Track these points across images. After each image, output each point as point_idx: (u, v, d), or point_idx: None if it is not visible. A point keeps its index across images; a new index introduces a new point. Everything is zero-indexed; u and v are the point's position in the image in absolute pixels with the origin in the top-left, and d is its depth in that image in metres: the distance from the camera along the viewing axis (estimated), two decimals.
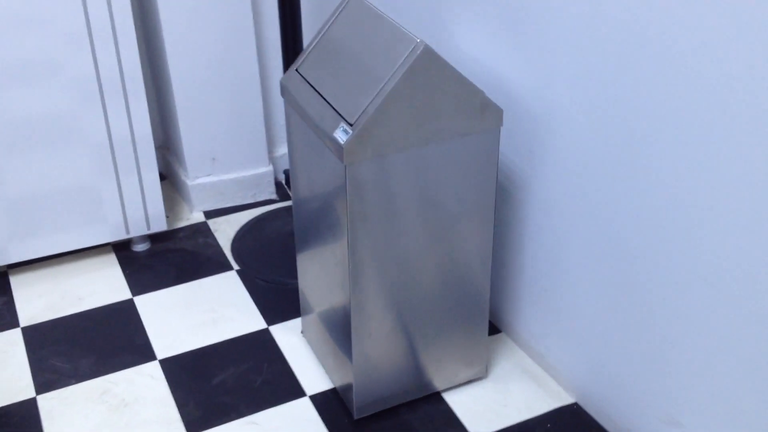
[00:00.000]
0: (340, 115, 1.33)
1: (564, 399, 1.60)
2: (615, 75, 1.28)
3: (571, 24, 1.33)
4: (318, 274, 1.58)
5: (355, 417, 1.55)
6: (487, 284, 1.55)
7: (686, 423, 1.34)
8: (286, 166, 2.27)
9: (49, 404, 1.60)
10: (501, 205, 1.64)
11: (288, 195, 2.25)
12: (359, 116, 1.29)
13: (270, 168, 2.20)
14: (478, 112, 1.35)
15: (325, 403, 1.61)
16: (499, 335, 1.76)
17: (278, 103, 2.20)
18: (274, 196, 2.23)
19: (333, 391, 1.63)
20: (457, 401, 1.60)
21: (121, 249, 2.04)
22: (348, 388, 1.56)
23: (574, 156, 1.42)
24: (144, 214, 1.98)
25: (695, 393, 1.31)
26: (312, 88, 1.41)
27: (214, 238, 2.09)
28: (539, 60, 1.43)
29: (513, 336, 1.74)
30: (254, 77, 2.07)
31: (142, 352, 1.73)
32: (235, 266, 1.99)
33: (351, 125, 1.29)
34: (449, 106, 1.32)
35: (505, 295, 1.73)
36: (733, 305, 1.19)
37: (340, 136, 1.30)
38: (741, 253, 1.16)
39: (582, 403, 1.58)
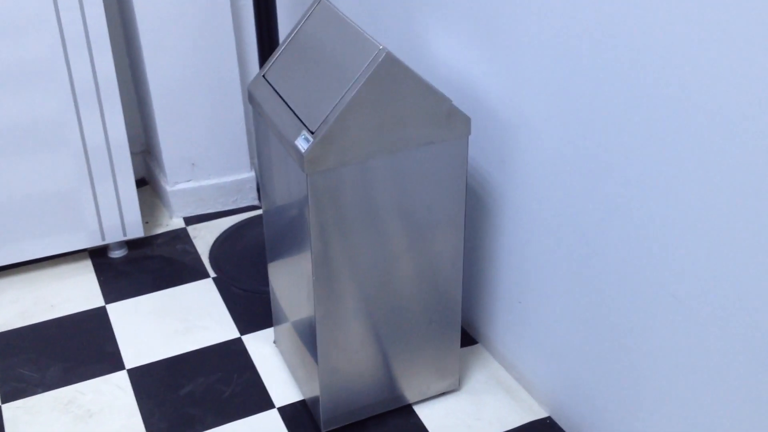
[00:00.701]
0: (302, 122, 1.30)
1: (537, 412, 1.57)
2: (586, 83, 1.25)
3: (543, 32, 1.30)
4: (287, 283, 1.55)
5: (323, 430, 1.52)
6: (459, 295, 1.51)
7: None
8: None
9: (14, 413, 1.58)
10: (475, 213, 1.61)
11: None
12: (321, 124, 1.26)
13: (252, 174, 2.18)
14: (444, 120, 1.32)
15: (293, 415, 1.58)
16: (475, 346, 1.73)
17: None
18: (256, 202, 2.21)
19: (302, 403, 1.60)
20: (429, 414, 1.57)
21: (98, 255, 2.02)
22: (316, 400, 1.53)
23: (546, 164, 1.39)
24: (120, 221, 1.96)
25: (667, 408, 1.27)
26: (278, 95, 1.39)
27: (193, 245, 2.06)
28: (511, 68, 1.40)
29: (488, 347, 1.71)
30: (234, 81, 2.04)
31: (111, 362, 1.70)
32: (212, 274, 1.96)
33: (312, 133, 1.27)
34: (414, 114, 1.29)
35: (481, 305, 1.69)
36: (702, 321, 1.16)
37: (302, 144, 1.27)
38: (710, 270, 1.12)
39: (555, 417, 1.55)
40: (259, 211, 2.18)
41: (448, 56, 1.54)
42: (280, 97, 1.38)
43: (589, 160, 1.29)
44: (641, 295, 1.26)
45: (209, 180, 2.14)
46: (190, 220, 2.15)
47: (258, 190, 2.22)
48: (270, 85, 1.42)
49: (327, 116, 1.26)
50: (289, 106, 1.35)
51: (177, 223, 2.15)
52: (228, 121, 2.08)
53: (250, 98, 1.46)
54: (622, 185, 1.24)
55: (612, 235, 1.29)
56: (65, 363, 1.70)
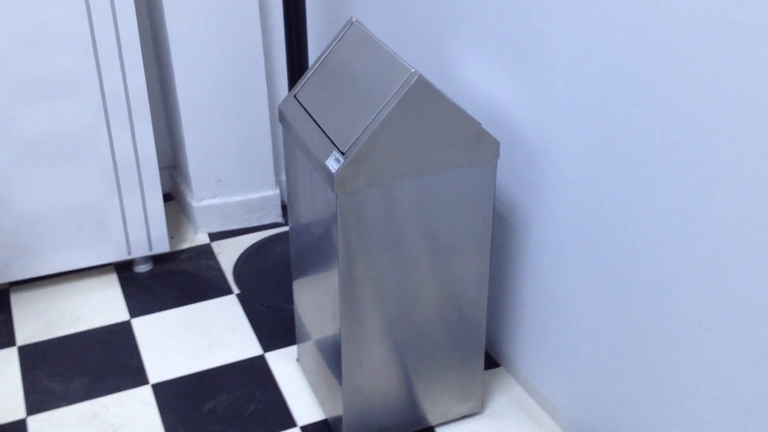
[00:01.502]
0: (333, 143, 1.31)
1: None
2: (615, 107, 1.25)
3: (572, 56, 1.31)
4: (312, 301, 1.56)
5: None
6: (484, 318, 1.51)
7: None
8: None
9: (39, 426, 1.59)
10: (501, 236, 1.61)
11: None
12: (351, 145, 1.27)
13: (276, 191, 2.19)
14: (473, 144, 1.32)
15: None
16: (497, 369, 1.72)
17: None
18: (280, 219, 2.22)
19: (324, 423, 1.60)
20: None
21: (123, 269, 2.04)
22: (338, 420, 1.53)
23: (574, 188, 1.39)
24: (146, 235, 1.97)
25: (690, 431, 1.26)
26: (308, 115, 1.40)
27: (217, 261, 2.07)
28: (540, 92, 1.40)
29: (511, 370, 1.71)
30: (262, 100, 2.06)
31: (135, 376, 1.71)
32: (236, 290, 1.97)
33: (343, 154, 1.27)
34: (444, 137, 1.30)
35: (504, 328, 1.69)
36: (729, 351, 1.15)
37: (332, 164, 1.28)
38: (738, 299, 1.11)
39: None
40: (282, 229, 2.20)
41: (477, 80, 1.55)
42: (311, 117, 1.39)
43: (617, 186, 1.29)
44: (667, 322, 1.26)
45: (235, 197, 2.16)
46: (214, 236, 2.17)
47: (283, 207, 2.24)
48: (301, 105, 1.43)
49: (358, 137, 1.27)
50: (319, 127, 1.36)
51: (201, 238, 2.16)
52: (255, 138, 2.10)
53: (281, 117, 1.48)
54: (650, 211, 1.23)
55: (639, 261, 1.29)
56: (90, 376, 1.71)
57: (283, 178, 2.26)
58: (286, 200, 2.27)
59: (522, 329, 1.63)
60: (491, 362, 1.74)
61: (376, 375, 1.48)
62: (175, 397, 1.66)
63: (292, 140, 1.44)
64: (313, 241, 1.47)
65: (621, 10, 1.19)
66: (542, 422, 1.59)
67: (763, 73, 0.99)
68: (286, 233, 2.17)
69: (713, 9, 1.04)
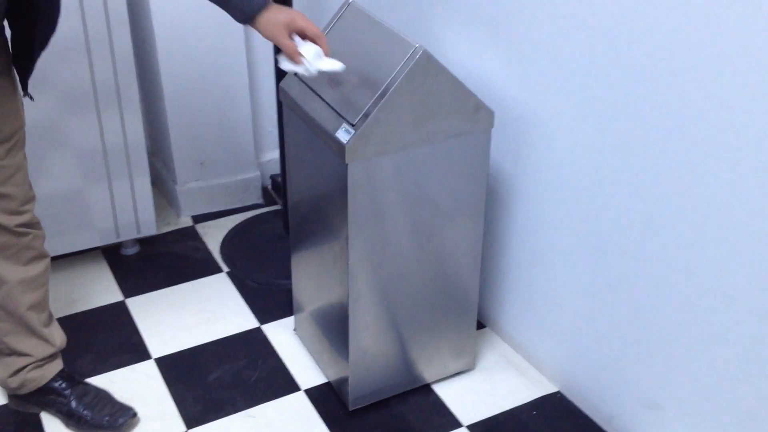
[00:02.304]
0: (341, 116, 1.39)
1: (547, 388, 1.68)
2: (599, 78, 1.37)
3: (556, 33, 1.42)
4: (314, 271, 1.64)
5: (350, 408, 1.61)
6: (477, 280, 1.62)
7: (667, 406, 1.43)
8: (273, 172, 2.32)
9: None
10: (488, 204, 1.72)
11: (274, 200, 2.31)
12: (361, 117, 1.36)
13: (257, 173, 2.26)
14: (471, 114, 1.43)
15: (319, 396, 1.66)
16: (483, 330, 1.84)
17: (266, 110, 2.25)
18: (260, 201, 2.29)
19: (327, 385, 1.69)
20: (447, 392, 1.67)
21: (111, 253, 2.07)
22: (343, 381, 1.61)
23: (559, 156, 1.51)
24: (135, 219, 2.02)
25: (675, 377, 1.40)
26: (312, 91, 1.48)
27: (203, 242, 2.13)
28: (524, 65, 1.51)
29: (497, 330, 1.82)
30: (243, 84, 2.13)
31: (138, 352, 1.77)
32: (225, 268, 2.03)
33: (353, 125, 1.36)
34: (445, 108, 1.40)
35: (490, 291, 1.80)
36: (711, 294, 1.28)
37: (343, 135, 1.37)
38: (719, 246, 1.25)
39: (565, 391, 1.66)
40: (264, 209, 2.26)
41: (463, 55, 1.66)
42: (315, 93, 1.47)
43: (600, 149, 1.41)
44: (652, 270, 1.38)
45: (217, 179, 2.22)
46: (197, 219, 2.22)
47: (263, 189, 2.30)
48: (303, 82, 1.51)
49: (367, 109, 1.36)
50: (325, 101, 1.44)
51: (185, 221, 2.21)
52: (236, 122, 2.16)
53: (283, 95, 1.55)
54: (632, 171, 1.36)
55: (620, 217, 1.41)
56: (93, 354, 1.76)
57: (263, 161, 2.33)
58: (266, 182, 2.34)
59: (507, 291, 1.75)
60: (477, 324, 1.85)
61: (379, 337, 1.57)
62: (179, 369, 1.72)
63: (296, 115, 1.52)
64: (317, 211, 1.55)
65: None
66: (530, 375, 1.71)
67: (742, 46, 1.12)
68: (268, 213, 2.24)
69: None
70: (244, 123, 2.18)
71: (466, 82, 1.65)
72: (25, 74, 1.34)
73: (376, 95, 1.35)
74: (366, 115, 1.35)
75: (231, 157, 2.20)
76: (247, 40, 2.12)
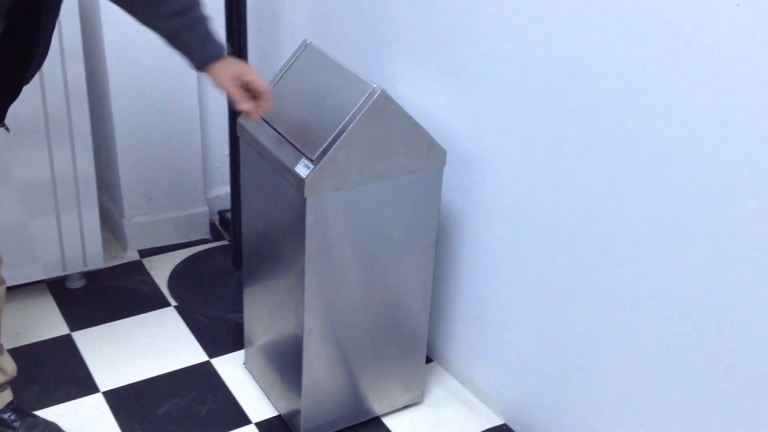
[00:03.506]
0: (300, 151, 1.44)
1: (493, 420, 1.73)
2: (549, 118, 1.45)
3: (504, 73, 1.50)
4: (267, 304, 1.66)
5: None
6: (426, 315, 1.67)
7: None
8: (221, 208, 2.34)
9: None
10: (439, 241, 1.77)
11: (221, 235, 2.32)
12: (320, 153, 1.40)
13: (205, 209, 2.27)
14: (424, 152, 1.49)
15: (270, 429, 1.67)
16: (431, 364, 1.88)
17: (216, 146, 2.28)
18: (207, 236, 2.30)
19: (278, 418, 1.70)
20: (396, 425, 1.70)
21: (56, 286, 2.05)
22: (294, 413, 1.63)
23: (507, 194, 1.57)
24: (82, 252, 2.00)
25: (617, 410, 1.46)
26: (270, 127, 1.52)
27: (150, 276, 2.13)
28: (474, 106, 1.59)
29: (444, 364, 1.86)
30: (194, 119, 2.15)
31: (85, 385, 1.75)
32: (173, 302, 2.03)
33: (312, 161, 1.41)
34: (400, 146, 1.46)
35: (438, 325, 1.85)
36: (655, 327, 1.36)
37: (302, 170, 1.41)
38: (663, 280, 1.32)
39: (511, 424, 1.71)
40: (211, 245, 2.27)
41: (414, 94, 1.72)
42: (274, 129, 1.51)
43: (546, 188, 1.49)
44: (596, 303, 1.45)
45: (165, 214, 2.22)
46: (144, 253, 2.22)
47: (210, 225, 2.31)
48: (262, 118, 1.55)
49: (326, 145, 1.40)
50: (284, 137, 1.48)
51: (131, 255, 2.21)
52: (186, 156, 2.18)
53: (241, 131, 1.59)
54: (579, 209, 1.44)
55: (565, 253, 1.48)
56: (39, 387, 1.73)
57: (211, 196, 2.34)
58: (213, 217, 2.35)
59: (454, 325, 1.80)
60: (426, 358, 1.89)
61: (331, 369, 1.60)
62: (128, 402, 1.71)
63: (254, 150, 1.56)
64: (273, 246, 1.58)
65: (549, 27, 1.39)
66: (477, 408, 1.76)
67: (679, 71, 1.21)
68: (216, 249, 2.25)
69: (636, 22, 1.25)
70: (194, 158, 2.19)
71: (419, 121, 1.72)
72: (6, 106, 1.35)
73: (335, 132, 1.40)
74: (325, 152, 1.40)
75: (179, 192, 2.21)
76: (199, 77, 2.15)
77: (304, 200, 1.41)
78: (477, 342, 1.75)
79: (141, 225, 2.20)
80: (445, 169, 1.54)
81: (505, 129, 1.54)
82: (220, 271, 2.15)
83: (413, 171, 1.49)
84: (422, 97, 1.70)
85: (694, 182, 1.22)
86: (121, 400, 1.72)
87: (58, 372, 1.78)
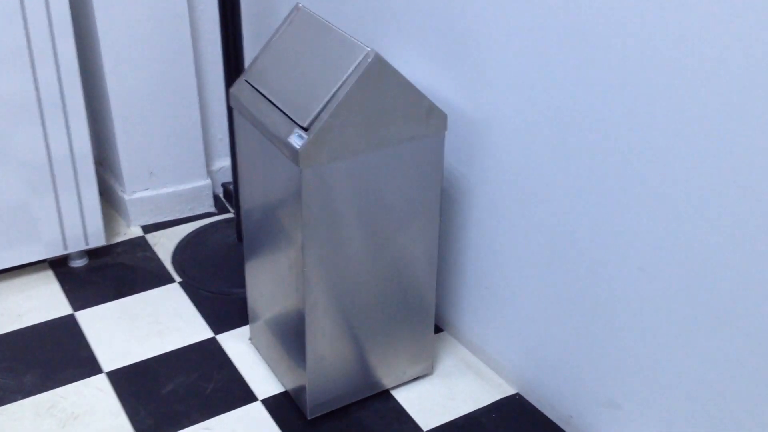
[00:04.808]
0: (293, 121, 1.38)
1: (506, 390, 1.68)
2: (552, 79, 1.38)
3: (505, 33, 1.43)
4: (269, 279, 1.62)
5: (309, 417, 1.59)
6: (433, 285, 1.62)
7: (624, 404, 1.44)
8: (224, 180, 2.29)
9: None
10: (444, 209, 1.72)
11: (226, 208, 2.28)
12: (313, 121, 1.34)
13: (208, 181, 2.22)
14: (424, 118, 1.43)
15: (277, 405, 1.64)
16: (441, 334, 1.83)
17: (216, 117, 2.22)
18: (212, 210, 2.25)
19: (284, 394, 1.66)
20: (406, 398, 1.66)
21: (58, 265, 2.02)
22: (300, 389, 1.59)
23: (512, 158, 1.51)
24: (83, 230, 1.97)
25: (632, 375, 1.41)
26: (263, 97, 1.46)
27: (153, 252, 2.09)
28: (473, 67, 1.52)
29: (455, 334, 1.82)
30: (192, 91, 2.09)
31: (88, 366, 1.72)
32: (177, 278, 2.00)
33: (305, 130, 1.35)
34: (398, 112, 1.39)
35: (447, 294, 1.80)
36: (667, 292, 1.30)
37: (295, 141, 1.35)
38: (676, 243, 1.26)
39: (524, 393, 1.67)
40: (216, 218, 2.23)
41: (412, 62, 1.65)
42: (266, 98, 1.46)
43: (552, 150, 1.42)
44: (607, 269, 1.40)
45: (167, 188, 2.18)
46: (147, 229, 2.18)
47: (214, 197, 2.27)
48: (253, 87, 1.49)
49: (319, 113, 1.34)
50: (276, 106, 1.43)
51: (135, 231, 2.17)
52: (185, 129, 2.13)
53: (233, 100, 1.53)
54: (586, 170, 1.37)
55: (574, 217, 1.42)
56: (41, 369, 1.71)
57: (214, 168, 2.29)
58: (217, 190, 2.31)
59: (464, 294, 1.75)
60: (435, 328, 1.84)
61: (336, 343, 1.56)
62: (131, 382, 1.68)
63: (248, 121, 1.50)
64: (272, 220, 1.53)
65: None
66: (489, 378, 1.71)
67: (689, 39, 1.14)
68: (220, 222, 2.21)
69: None
70: (194, 131, 2.14)
71: (418, 85, 1.65)
72: None
73: (328, 99, 1.34)
74: (318, 120, 1.34)
75: (181, 165, 2.17)
76: (195, 43, 2.09)
77: (300, 172, 1.36)
78: (488, 310, 1.70)
79: (143, 200, 2.16)
80: (447, 134, 1.48)
81: (508, 91, 1.47)
82: (224, 244, 2.11)
83: (413, 137, 1.43)
84: (421, 62, 1.63)
85: (716, 131, 1.15)
86: (125, 380, 1.69)
87: (61, 353, 1.75)
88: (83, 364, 1.73)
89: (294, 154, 1.35)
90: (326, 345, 1.55)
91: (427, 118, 1.43)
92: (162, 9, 1.97)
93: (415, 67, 1.65)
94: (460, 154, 1.62)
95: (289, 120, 1.39)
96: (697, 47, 1.13)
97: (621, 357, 1.42)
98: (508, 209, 1.56)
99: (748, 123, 1.10)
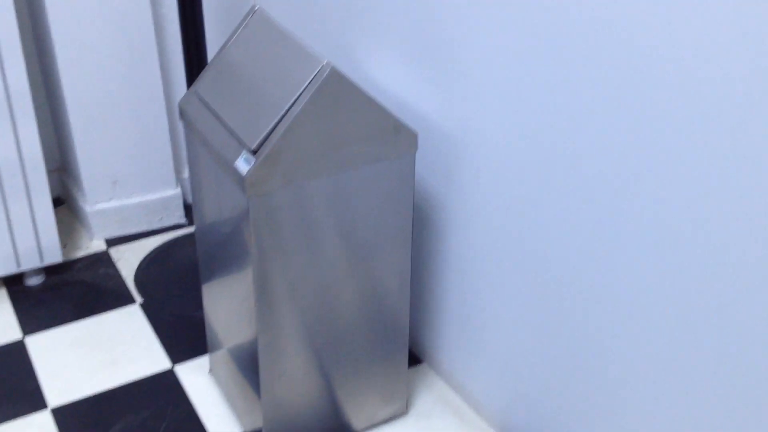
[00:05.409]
0: (241, 141, 1.21)
1: None
2: (532, 95, 1.21)
3: (481, 46, 1.26)
4: (224, 306, 1.46)
5: None
6: (407, 316, 1.45)
7: None
8: None
9: None
10: (421, 230, 1.55)
11: None
12: (262, 144, 1.18)
13: (178, 190, 2.07)
14: (391, 137, 1.26)
15: None
16: (420, 366, 1.67)
17: None
18: (183, 221, 2.10)
19: None
20: None
21: (13, 284, 1.87)
22: None
23: (493, 176, 1.34)
24: (36, 245, 1.82)
25: (614, 420, 1.24)
26: (211, 112, 1.30)
27: (116, 269, 1.94)
28: (454, 82, 1.35)
29: (434, 366, 1.66)
30: (158, 93, 1.93)
31: (33, 401, 1.57)
32: (139, 299, 1.84)
33: (253, 153, 1.18)
34: (360, 131, 1.22)
35: (427, 323, 1.64)
36: (661, 340, 1.13)
37: (242, 165, 1.19)
38: (675, 285, 1.09)
39: None
40: (187, 230, 2.07)
41: (386, 74, 1.48)
42: (214, 113, 1.29)
43: (538, 171, 1.25)
44: (598, 306, 1.23)
45: (132, 198, 2.02)
46: (112, 242, 2.03)
47: (186, 207, 2.11)
48: (202, 100, 1.33)
49: (269, 135, 1.18)
50: (224, 124, 1.26)
51: (98, 245, 2.02)
52: (151, 135, 1.97)
53: (182, 114, 1.37)
54: (573, 196, 1.20)
55: (562, 248, 1.25)
56: None
57: (185, 175, 2.14)
58: (189, 199, 2.15)
59: (444, 324, 1.59)
60: (413, 359, 1.69)
61: (296, 383, 1.40)
62: (77, 421, 1.53)
63: (197, 139, 1.34)
64: (223, 244, 1.37)
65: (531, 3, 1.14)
66: (469, 420, 1.55)
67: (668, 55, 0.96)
68: (190, 235, 2.05)
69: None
70: (161, 136, 1.98)
71: (390, 101, 1.48)
72: None
73: (278, 119, 1.17)
74: (267, 142, 1.17)
75: (147, 173, 2.01)
76: (160, 43, 1.92)
77: (247, 200, 1.19)
78: (469, 343, 1.54)
79: (107, 212, 2.01)
80: (425, 152, 1.32)
81: (488, 101, 1.29)
82: (192, 260, 1.95)
83: (378, 158, 1.26)
84: (395, 75, 1.46)
85: (705, 161, 0.98)
86: (70, 417, 1.54)
87: (5, 385, 1.61)
88: (28, 398, 1.58)
89: (240, 180, 1.18)
90: (285, 384, 1.39)
91: (394, 137, 1.26)
92: (121, 6, 1.81)
93: (388, 74, 1.48)
94: (436, 170, 1.45)
95: (236, 140, 1.22)
96: (690, 71, 0.95)
97: (611, 403, 1.25)
98: (487, 231, 1.39)
99: (748, 168, 0.92)
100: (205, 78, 1.35)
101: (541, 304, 1.33)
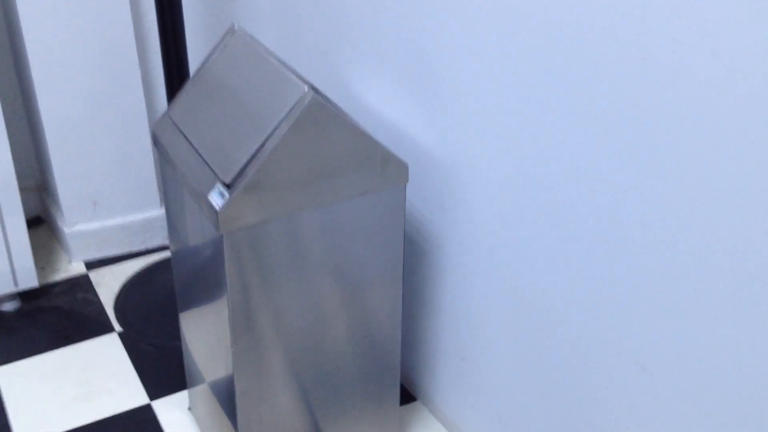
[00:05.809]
0: (215, 173, 1.12)
1: None
2: (532, 119, 1.11)
3: (477, 73, 1.16)
4: (204, 341, 1.37)
5: None
6: (398, 353, 1.36)
7: None
8: None
9: None
10: (413, 262, 1.46)
11: None
12: (237, 176, 1.09)
13: (162, 210, 1.97)
14: (379, 168, 1.16)
15: None
16: (413, 404, 1.58)
17: None
18: (167, 242, 2.00)
19: None
20: None
21: None
22: None
23: (490, 208, 1.25)
24: (10, 269, 1.73)
25: None
26: (186, 140, 1.21)
27: (96, 294, 1.85)
28: (446, 112, 1.25)
29: (428, 405, 1.56)
30: (140, 110, 1.84)
31: None
32: (118, 328, 1.75)
33: (228, 187, 1.09)
34: (345, 162, 1.13)
35: (421, 359, 1.54)
36: (667, 392, 1.04)
37: (216, 200, 1.09)
38: (681, 336, 1.00)
39: None
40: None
41: (377, 101, 1.39)
42: (188, 141, 1.20)
43: (536, 204, 1.15)
44: (600, 358, 1.13)
45: (113, 219, 1.93)
46: (92, 265, 1.94)
47: None
48: (176, 125, 1.24)
49: (245, 167, 1.08)
50: (198, 153, 1.17)
51: (77, 267, 1.93)
52: (133, 153, 1.88)
53: (155, 140, 1.28)
54: (576, 224, 1.10)
55: (566, 285, 1.16)
56: None
57: None
58: None
59: (438, 361, 1.49)
60: (407, 396, 1.59)
61: (279, 428, 1.31)
62: None
63: (171, 168, 1.25)
64: (199, 275, 1.28)
65: (523, 29, 1.04)
66: None
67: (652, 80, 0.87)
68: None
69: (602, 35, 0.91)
70: (144, 154, 1.89)
71: (380, 130, 1.39)
72: None
73: (255, 150, 1.08)
74: (243, 176, 1.08)
75: (129, 193, 1.91)
76: (142, 59, 1.83)
77: (221, 236, 1.10)
78: (465, 382, 1.44)
79: (86, 233, 1.91)
80: (417, 181, 1.22)
81: (483, 135, 1.20)
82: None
83: (366, 191, 1.17)
84: (385, 104, 1.37)
85: (706, 215, 0.88)
86: None
87: None
88: None
89: (214, 215, 1.09)
90: (266, 428, 1.29)
91: (383, 168, 1.17)
92: (102, 21, 1.72)
93: (380, 101, 1.39)
94: (430, 202, 1.36)
95: (210, 171, 1.13)
96: (692, 90, 0.86)
97: None
98: (484, 266, 1.30)
99: (752, 193, 0.83)
100: (179, 101, 1.26)
101: (540, 343, 1.24)
